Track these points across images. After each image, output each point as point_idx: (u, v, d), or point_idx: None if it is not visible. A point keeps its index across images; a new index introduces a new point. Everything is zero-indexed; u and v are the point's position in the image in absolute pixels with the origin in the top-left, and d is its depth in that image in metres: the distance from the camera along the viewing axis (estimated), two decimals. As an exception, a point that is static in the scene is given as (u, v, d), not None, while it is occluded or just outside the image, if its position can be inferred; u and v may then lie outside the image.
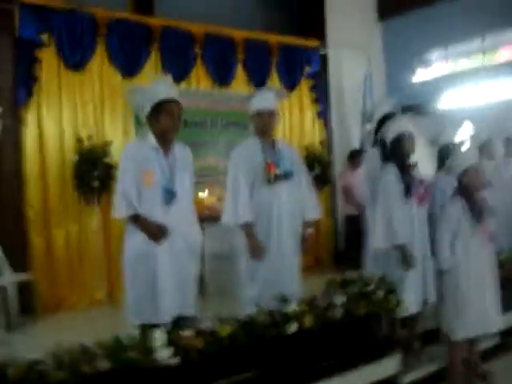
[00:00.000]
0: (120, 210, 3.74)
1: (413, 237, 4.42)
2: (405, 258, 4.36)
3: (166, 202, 3.77)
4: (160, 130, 3.82)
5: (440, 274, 4.40)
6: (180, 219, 3.83)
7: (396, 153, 4.52)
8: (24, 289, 5.92)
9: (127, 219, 3.80)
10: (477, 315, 4.24)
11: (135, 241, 3.76)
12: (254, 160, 4.25)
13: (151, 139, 3.83)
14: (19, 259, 6.10)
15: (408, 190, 4.41)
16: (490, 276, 4.37)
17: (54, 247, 6.43)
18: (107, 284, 6.62)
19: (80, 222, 6.57)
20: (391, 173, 4.47)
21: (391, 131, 4.56)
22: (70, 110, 6.60)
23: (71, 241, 6.54)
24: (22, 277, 5.87)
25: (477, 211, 4.30)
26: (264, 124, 4.29)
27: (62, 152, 6.50)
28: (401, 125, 4.59)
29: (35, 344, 4.91)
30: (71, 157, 6.47)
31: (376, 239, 4.44)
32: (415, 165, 4.60)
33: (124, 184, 3.72)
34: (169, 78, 4.10)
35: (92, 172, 6.35)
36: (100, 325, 5.32)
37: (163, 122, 3.80)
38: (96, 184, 6.34)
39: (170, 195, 3.77)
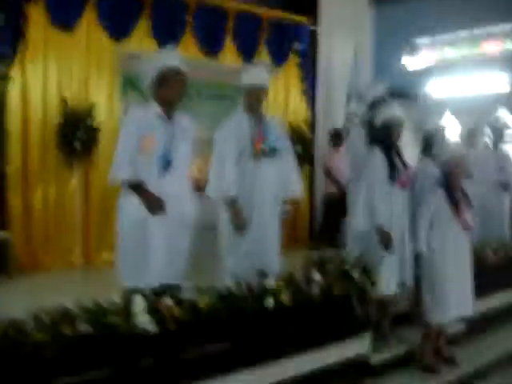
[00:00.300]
0: (121, 172, 3.69)
1: (391, 220, 4.49)
2: (383, 240, 4.44)
3: (161, 170, 3.76)
4: (164, 97, 3.80)
5: (418, 258, 4.50)
6: (175, 188, 3.81)
7: (385, 137, 4.59)
8: (-1, 247, 5.89)
9: (122, 182, 3.76)
10: (453, 299, 4.39)
11: (131, 205, 3.73)
12: (241, 134, 4.25)
13: (155, 106, 3.82)
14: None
15: (393, 175, 4.48)
16: (465, 264, 4.51)
17: (31, 207, 6.39)
18: (84, 247, 6.61)
19: (60, 183, 6.53)
20: (377, 156, 4.52)
21: (382, 116, 4.61)
22: (56, 70, 6.51)
23: (50, 202, 6.50)
24: (-2, 235, 5.84)
25: (456, 200, 4.41)
26: (256, 99, 4.29)
27: (46, 111, 6.43)
28: (392, 110, 4.65)
29: (10, 303, 4.91)
30: (54, 117, 6.40)
31: (357, 221, 4.51)
32: (401, 150, 4.66)
33: (126, 147, 3.69)
34: (174, 48, 4.06)
35: (75, 133, 6.29)
36: (76, 287, 5.33)
37: (168, 90, 3.79)
38: (78, 146, 6.28)
39: (165, 163, 3.76)
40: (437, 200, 4.42)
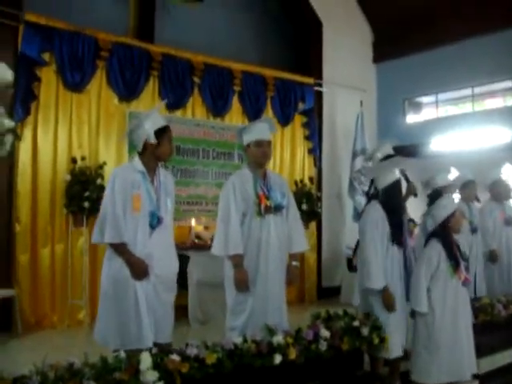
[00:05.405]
0: (106, 235, 3.67)
1: (392, 280, 4.41)
2: (387, 301, 4.35)
3: (152, 227, 3.78)
4: (161, 155, 3.88)
5: (412, 316, 4.43)
6: (162, 244, 3.84)
7: (391, 198, 4.49)
8: (6, 305, 5.88)
9: (108, 244, 3.76)
10: (450, 360, 4.23)
11: (117, 264, 3.73)
12: (245, 191, 4.25)
13: (138, 163, 3.86)
14: (3, 274, 6.09)
15: (395, 236, 4.40)
16: (465, 320, 4.38)
17: (38, 265, 6.42)
18: (91, 306, 6.56)
19: (67, 241, 6.57)
20: (377, 212, 4.44)
21: (387, 177, 4.51)
22: (66, 130, 6.68)
23: (57, 260, 6.54)
24: (6, 293, 5.83)
25: (455, 254, 4.35)
26: (264, 154, 4.29)
27: (55, 170, 6.56)
28: (396, 170, 4.58)
29: (16, 360, 4.88)
30: (64, 176, 6.51)
31: (371, 280, 4.36)
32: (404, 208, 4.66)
33: (114, 209, 3.68)
34: (158, 109, 4.14)
35: (83, 193, 6.36)
36: (83, 345, 5.25)
37: (165, 146, 3.87)
38: (86, 205, 6.34)
39: (156, 220, 3.79)
40: (436, 255, 4.30)
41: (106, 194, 3.77)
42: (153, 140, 3.82)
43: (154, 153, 3.85)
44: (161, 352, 3.31)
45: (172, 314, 3.97)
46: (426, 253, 4.38)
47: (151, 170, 3.87)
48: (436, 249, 4.33)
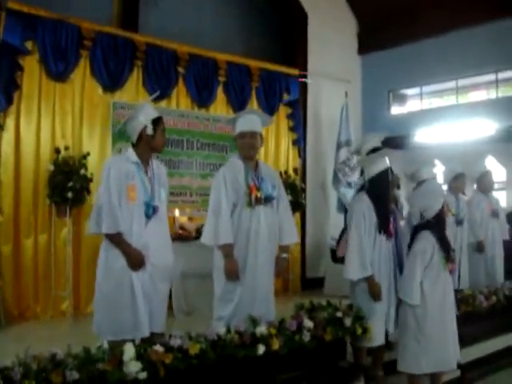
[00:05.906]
0: (106, 226, 3.67)
1: (379, 270, 4.45)
2: (373, 290, 4.39)
3: (147, 217, 3.79)
4: (156, 146, 3.92)
5: (399, 306, 4.41)
6: (157, 234, 3.86)
7: (379, 188, 4.50)
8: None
9: (104, 235, 3.75)
10: (438, 351, 4.22)
11: (113, 255, 3.73)
12: (237, 182, 4.26)
13: (132, 155, 3.86)
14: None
15: (382, 226, 4.44)
16: (451, 310, 4.37)
17: (21, 256, 6.37)
18: (74, 297, 6.55)
19: (50, 232, 6.52)
20: (365, 202, 4.47)
21: (375, 167, 4.54)
22: (49, 120, 6.61)
23: (40, 250, 6.49)
24: (-12, 284, 5.80)
25: (447, 246, 4.34)
26: (245, 145, 4.31)
27: (38, 160, 6.49)
28: (385, 161, 4.58)
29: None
30: (47, 166, 6.45)
31: (349, 270, 4.44)
32: (394, 198, 4.65)
33: (110, 199, 3.69)
34: (148, 103, 4.14)
35: (66, 183, 6.31)
36: (66, 336, 5.26)
37: (160, 137, 3.91)
38: (70, 195, 6.30)
39: (151, 210, 3.81)
40: (430, 247, 4.24)
41: (101, 185, 3.78)
42: (150, 131, 3.84)
43: (149, 144, 3.87)
44: (149, 342, 3.32)
45: (166, 304, 4.00)
46: (420, 246, 4.28)
47: (145, 160, 3.90)
48: (430, 241, 4.26)
